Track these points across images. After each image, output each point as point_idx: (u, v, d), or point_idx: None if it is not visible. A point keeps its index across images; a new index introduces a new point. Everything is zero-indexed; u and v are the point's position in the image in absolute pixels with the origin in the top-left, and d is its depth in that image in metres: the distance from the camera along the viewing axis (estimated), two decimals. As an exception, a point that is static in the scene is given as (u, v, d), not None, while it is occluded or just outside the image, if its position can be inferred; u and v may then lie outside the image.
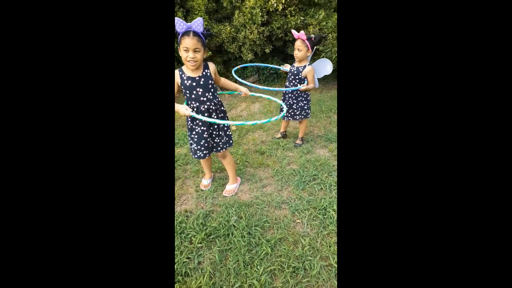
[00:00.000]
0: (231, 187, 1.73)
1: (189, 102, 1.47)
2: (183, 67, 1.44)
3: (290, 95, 2.12)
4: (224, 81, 1.59)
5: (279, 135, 2.43)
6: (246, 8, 3.44)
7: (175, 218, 1.48)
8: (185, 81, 1.42)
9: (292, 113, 2.15)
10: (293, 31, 1.95)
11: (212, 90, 1.47)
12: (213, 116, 1.49)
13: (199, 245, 1.32)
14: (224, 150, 1.61)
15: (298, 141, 2.30)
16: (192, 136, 1.54)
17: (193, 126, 1.51)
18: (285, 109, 1.62)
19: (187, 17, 3.41)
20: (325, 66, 2.06)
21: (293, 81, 2.07)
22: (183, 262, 1.23)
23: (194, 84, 1.42)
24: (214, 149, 1.60)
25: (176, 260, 1.23)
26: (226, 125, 1.57)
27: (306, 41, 1.93)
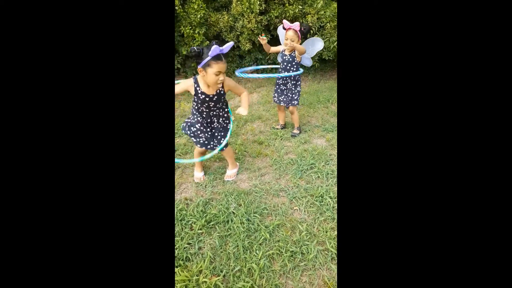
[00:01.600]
0: (232, 171, 1.79)
1: (199, 107, 1.55)
2: (199, 79, 1.47)
3: (281, 81, 2.20)
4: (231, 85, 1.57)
5: (278, 127, 2.45)
6: (244, -4, 3.38)
7: (176, 205, 1.51)
8: (199, 95, 1.49)
9: (282, 99, 2.23)
10: (285, 21, 2.00)
11: (222, 100, 1.56)
12: (219, 120, 1.63)
13: (200, 231, 1.35)
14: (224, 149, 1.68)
15: (295, 131, 2.32)
16: (196, 128, 1.62)
17: (196, 121, 1.61)
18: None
19: (184, 6, 3.36)
20: (314, 44, 2.13)
21: (291, 69, 2.14)
22: (184, 248, 1.26)
23: (207, 99, 1.50)
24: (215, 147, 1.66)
25: (177, 246, 1.27)
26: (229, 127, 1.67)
27: (298, 31, 1.98)
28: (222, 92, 1.52)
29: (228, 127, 1.66)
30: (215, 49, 1.29)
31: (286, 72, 2.15)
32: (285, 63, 2.15)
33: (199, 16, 3.25)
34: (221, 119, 1.63)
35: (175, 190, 1.67)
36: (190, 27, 3.31)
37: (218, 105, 1.55)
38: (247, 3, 3.36)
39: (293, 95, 2.19)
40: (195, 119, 1.60)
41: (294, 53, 2.10)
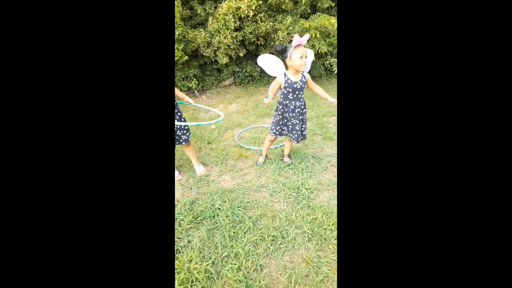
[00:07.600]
0: (199, 168, 1.98)
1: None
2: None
3: (292, 114, 1.76)
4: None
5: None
6: (219, 14, 3.63)
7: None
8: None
9: (297, 135, 1.80)
10: (296, 36, 1.52)
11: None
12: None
13: (188, 226, 1.45)
14: (183, 143, 1.84)
15: (288, 159, 2.09)
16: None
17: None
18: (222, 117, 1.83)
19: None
20: (308, 57, 1.87)
21: (301, 97, 1.75)
22: (174, 242, 1.36)
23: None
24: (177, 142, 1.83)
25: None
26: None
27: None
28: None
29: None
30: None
31: (296, 102, 1.72)
32: (296, 92, 1.69)
33: (177, 33, 3.43)
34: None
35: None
36: (169, 44, 3.47)
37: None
38: (222, 21, 3.60)
39: (304, 126, 1.83)
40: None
41: (305, 78, 1.69)
